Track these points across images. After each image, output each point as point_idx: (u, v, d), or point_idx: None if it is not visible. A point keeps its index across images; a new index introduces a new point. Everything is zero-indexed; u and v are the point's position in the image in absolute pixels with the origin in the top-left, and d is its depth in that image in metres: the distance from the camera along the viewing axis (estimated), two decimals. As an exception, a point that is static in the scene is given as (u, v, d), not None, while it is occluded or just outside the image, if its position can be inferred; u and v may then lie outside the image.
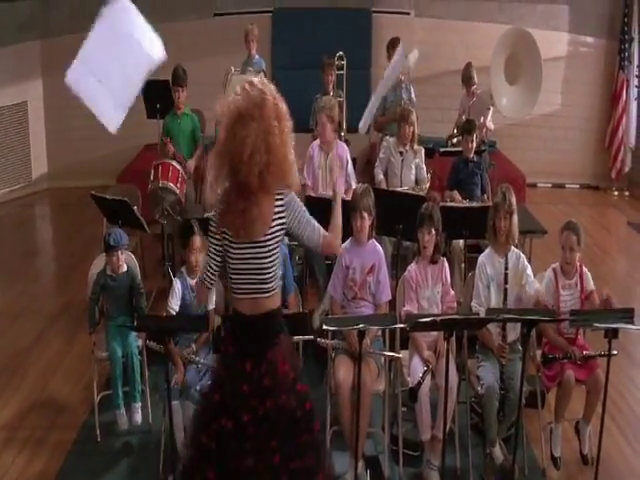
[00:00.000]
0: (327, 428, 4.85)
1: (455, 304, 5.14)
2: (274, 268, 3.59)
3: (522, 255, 5.16)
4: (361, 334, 4.30)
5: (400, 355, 4.99)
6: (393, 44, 8.57)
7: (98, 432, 5.22)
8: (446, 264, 5.15)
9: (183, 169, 7.07)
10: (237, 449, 3.55)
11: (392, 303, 5.34)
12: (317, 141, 7.02)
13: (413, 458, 5.01)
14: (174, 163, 6.94)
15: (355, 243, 5.12)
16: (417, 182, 7.26)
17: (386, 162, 7.33)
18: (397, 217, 5.80)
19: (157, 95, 7.51)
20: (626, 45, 10.47)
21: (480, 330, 4.98)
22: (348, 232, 5.20)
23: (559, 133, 10.85)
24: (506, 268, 4.98)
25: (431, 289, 5.05)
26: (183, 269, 5.20)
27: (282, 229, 3.58)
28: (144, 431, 5.28)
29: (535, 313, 4.50)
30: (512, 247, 5.12)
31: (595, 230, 9.11)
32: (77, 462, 5.01)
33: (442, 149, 8.01)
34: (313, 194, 6.57)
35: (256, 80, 3.54)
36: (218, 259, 3.69)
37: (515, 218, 5.08)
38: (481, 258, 5.16)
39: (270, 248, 3.56)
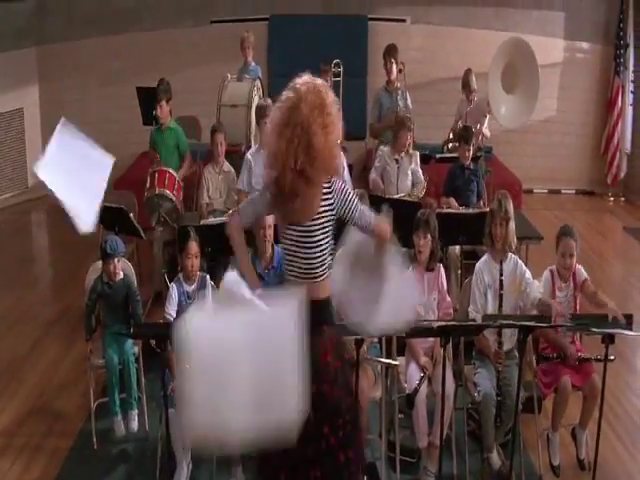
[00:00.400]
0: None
1: (451, 310, 5.14)
2: (322, 255, 3.60)
3: (519, 261, 5.16)
4: (358, 342, 4.31)
5: (397, 363, 4.98)
6: (389, 51, 8.60)
7: (95, 439, 5.21)
8: (442, 271, 5.15)
9: None
10: (302, 439, 3.46)
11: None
12: None
13: (410, 465, 4.99)
14: (170, 170, 6.94)
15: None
16: (414, 185, 7.26)
17: (381, 170, 7.33)
18: (393, 224, 5.79)
19: (153, 102, 7.52)
20: (621, 51, 10.50)
21: (477, 336, 4.99)
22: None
23: (555, 139, 10.88)
24: (501, 274, 4.99)
25: (427, 296, 5.05)
26: (180, 275, 5.21)
27: (331, 216, 3.59)
28: (141, 438, 5.27)
29: (531, 319, 4.51)
30: (509, 254, 5.12)
31: (591, 236, 9.12)
32: (74, 469, 4.99)
33: (438, 155, 8.04)
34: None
35: (299, 81, 3.54)
36: (250, 216, 3.76)
37: (512, 225, 5.08)
38: (478, 265, 5.16)
39: (317, 235, 3.57)
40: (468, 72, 8.74)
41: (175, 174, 6.98)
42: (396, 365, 4.98)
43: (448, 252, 6.66)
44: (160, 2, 10.56)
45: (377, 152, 8.14)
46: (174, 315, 5.09)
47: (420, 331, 4.38)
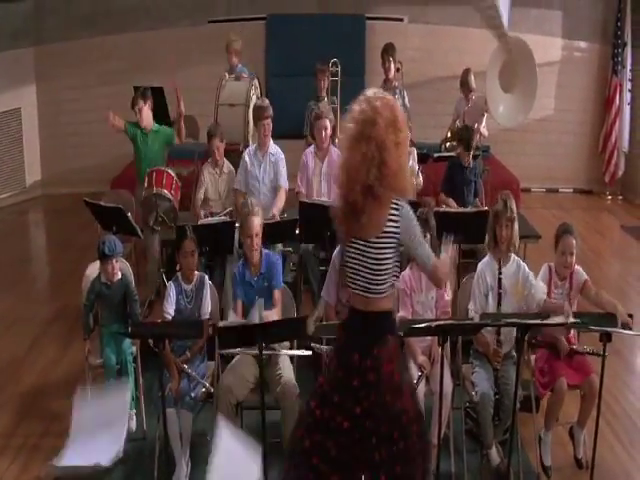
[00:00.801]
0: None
1: (449, 309, 5.14)
2: (384, 271, 3.62)
3: (522, 263, 5.10)
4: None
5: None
6: (387, 50, 8.61)
7: (93, 439, 5.21)
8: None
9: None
10: (352, 446, 3.63)
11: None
12: (311, 148, 7.02)
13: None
14: (168, 170, 6.93)
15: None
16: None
17: None
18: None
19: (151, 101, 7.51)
20: (619, 50, 10.51)
21: (475, 335, 4.98)
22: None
23: (553, 138, 10.88)
24: (500, 273, 4.97)
25: (425, 294, 5.05)
26: (179, 274, 5.21)
27: (396, 238, 3.62)
28: (139, 438, 5.26)
29: (528, 317, 4.51)
30: (512, 255, 5.09)
31: (589, 234, 9.13)
32: (71, 469, 4.98)
33: (436, 154, 8.04)
34: (307, 200, 6.57)
35: (371, 95, 3.58)
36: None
37: (516, 226, 5.05)
38: (481, 266, 5.11)
39: (381, 252, 3.60)
40: (467, 71, 8.75)
41: (173, 173, 6.96)
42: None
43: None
44: (157, 2, 10.55)
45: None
46: (172, 314, 5.10)
47: (418, 330, 4.37)
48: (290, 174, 7.04)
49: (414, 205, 5.64)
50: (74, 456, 4.34)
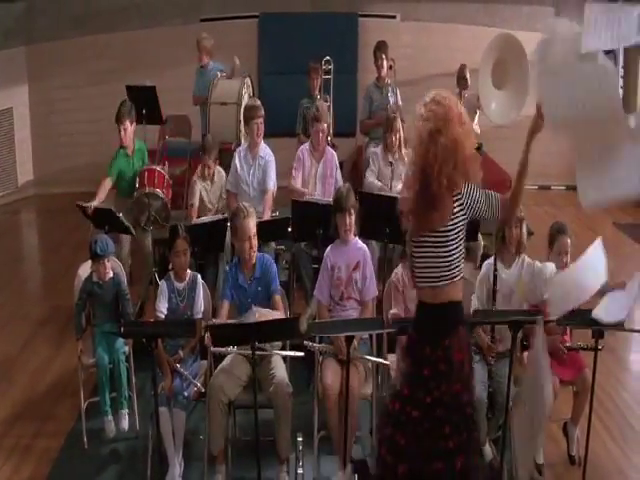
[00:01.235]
0: (315, 433, 4.85)
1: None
2: (457, 257, 3.75)
3: (527, 259, 5.09)
4: (349, 339, 4.32)
5: (388, 362, 4.98)
6: (380, 48, 8.60)
7: (85, 439, 5.20)
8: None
9: None
10: (422, 435, 3.72)
11: (379, 306, 5.35)
12: (306, 145, 7.00)
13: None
14: (159, 168, 6.91)
15: (340, 243, 5.15)
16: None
17: (377, 172, 7.24)
18: (384, 220, 5.81)
19: (142, 101, 7.49)
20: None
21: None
22: (334, 234, 5.24)
23: (545, 134, 10.79)
24: (495, 269, 4.96)
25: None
26: (171, 273, 5.20)
27: (463, 218, 3.75)
28: (131, 437, 5.26)
29: (521, 314, 4.51)
30: (523, 256, 5.08)
31: (581, 231, 9.08)
32: (64, 469, 4.99)
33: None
34: (300, 199, 6.56)
35: (437, 95, 3.75)
36: None
37: (525, 226, 5.07)
38: (487, 266, 5.09)
39: (452, 236, 3.73)
40: (463, 67, 8.70)
41: (164, 172, 6.94)
42: (387, 364, 4.98)
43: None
44: (149, 1, 10.51)
45: (367, 150, 8.13)
46: (165, 312, 5.09)
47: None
48: (282, 173, 7.03)
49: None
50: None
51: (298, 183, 6.86)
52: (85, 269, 5.47)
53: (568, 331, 5.10)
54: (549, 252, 5.15)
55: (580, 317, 4.47)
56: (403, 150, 7.14)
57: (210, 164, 6.84)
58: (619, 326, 4.45)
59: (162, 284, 5.18)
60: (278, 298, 5.10)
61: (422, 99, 3.78)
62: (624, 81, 10.60)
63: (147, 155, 7.17)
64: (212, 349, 4.83)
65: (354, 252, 5.15)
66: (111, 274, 5.32)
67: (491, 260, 5.10)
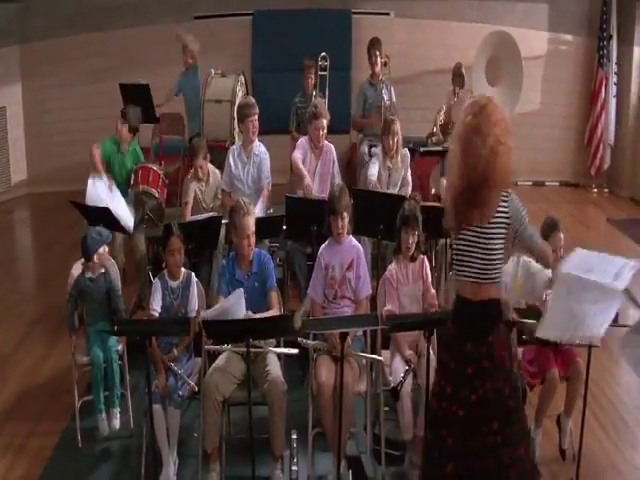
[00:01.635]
0: (309, 429, 4.85)
1: (436, 302, 5.13)
2: (497, 258, 3.79)
3: (522, 257, 5.08)
4: (343, 335, 4.31)
5: (381, 358, 4.98)
6: (374, 44, 8.60)
7: (79, 437, 5.19)
8: (426, 262, 5.16)
9: None
10: (469, 433, 3.75)
11: (373, 302, 5.35)
12: (306, 139, 6.94)
13: (395, 457, 4.99)
14: (154, 167, 6.90)
15: (334, 243, 5.15)
16: (401, 188, 7.13)
17: (376, 173, 7.19)
18: (377, 217, 5.81)
19: (137, 99, 7.48)
20: (605, 43, 10.52)
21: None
22: (327, 233, 5.24)
23: (539, 131, 10.88)
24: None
25: (412, 286, 5.05)
26: (165, 271, 5.19)
27: (505, 223, 3.80)
28: (126, 436, 5.25)
29: (515, 313, 4.52)
30: (521, 256, 5.08)
31: (575, 227, 9.13)
32: (58, 468, 4.98)
33: (422, 149, 8.01)
34: (293, 195, 6.56)
35: (481, 97, 3.82)
36: None
37: None
38: None
39: (493, 236, 3.77)
40: (459, 65, 8.68)
41: (159, 170, 6.93)
42: (380, 360, 4.98)
43: (438, 245, 6.63)
44: (142, -2, 10.51)
45: (361, 146, 8.14)
46: (159, 310, 5.08)
47: (404, 325, 4.38)
48: (276, 170, 7.02)
49: (401, 200, 5.69)
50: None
51: (301, 163, 6.81)
52: (78, 267, 5.45)
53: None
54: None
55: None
56: (399, 155, 7.09)
57: (202, 164, 6.77)
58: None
59: (156, 282, 5.17)
60: (274, 294, 5.10)
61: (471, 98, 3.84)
62: (618, 77, 10.59)
63: (142, 157, 7.15)
64: (206, 347, 4.83)
65: (348, 251, 5.15)
66: (102, 269, 5.30)
67: None
